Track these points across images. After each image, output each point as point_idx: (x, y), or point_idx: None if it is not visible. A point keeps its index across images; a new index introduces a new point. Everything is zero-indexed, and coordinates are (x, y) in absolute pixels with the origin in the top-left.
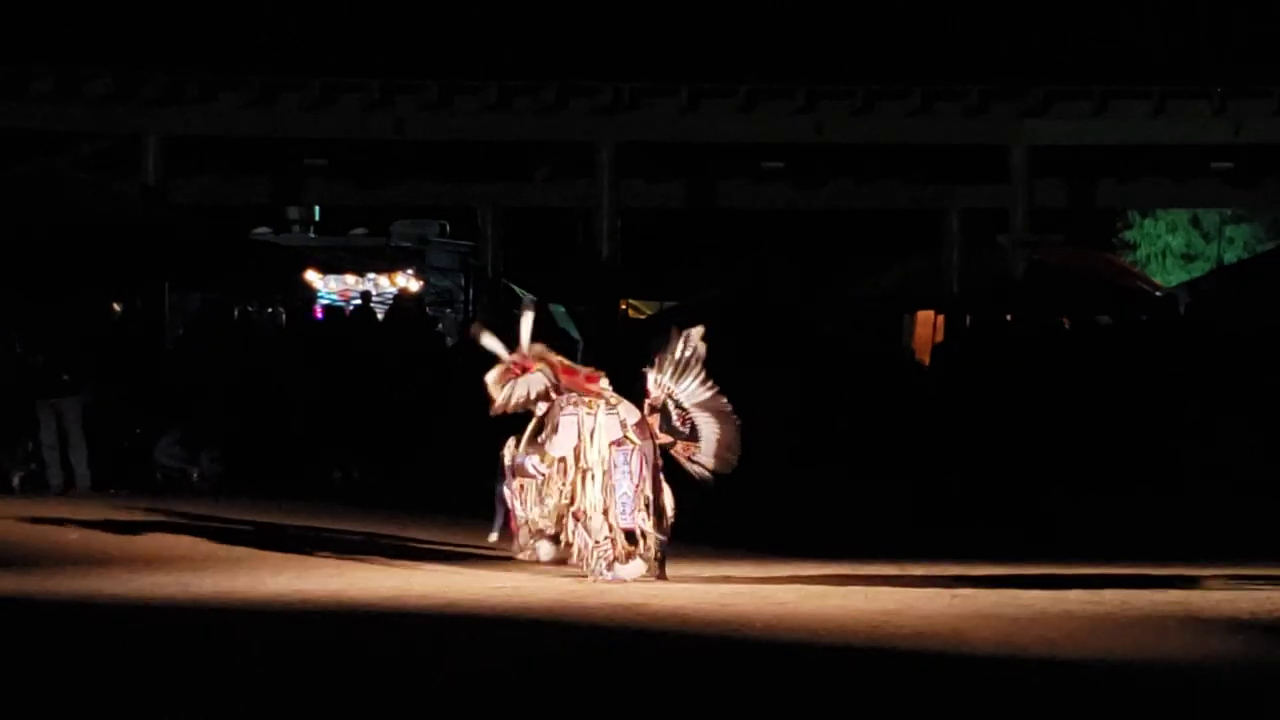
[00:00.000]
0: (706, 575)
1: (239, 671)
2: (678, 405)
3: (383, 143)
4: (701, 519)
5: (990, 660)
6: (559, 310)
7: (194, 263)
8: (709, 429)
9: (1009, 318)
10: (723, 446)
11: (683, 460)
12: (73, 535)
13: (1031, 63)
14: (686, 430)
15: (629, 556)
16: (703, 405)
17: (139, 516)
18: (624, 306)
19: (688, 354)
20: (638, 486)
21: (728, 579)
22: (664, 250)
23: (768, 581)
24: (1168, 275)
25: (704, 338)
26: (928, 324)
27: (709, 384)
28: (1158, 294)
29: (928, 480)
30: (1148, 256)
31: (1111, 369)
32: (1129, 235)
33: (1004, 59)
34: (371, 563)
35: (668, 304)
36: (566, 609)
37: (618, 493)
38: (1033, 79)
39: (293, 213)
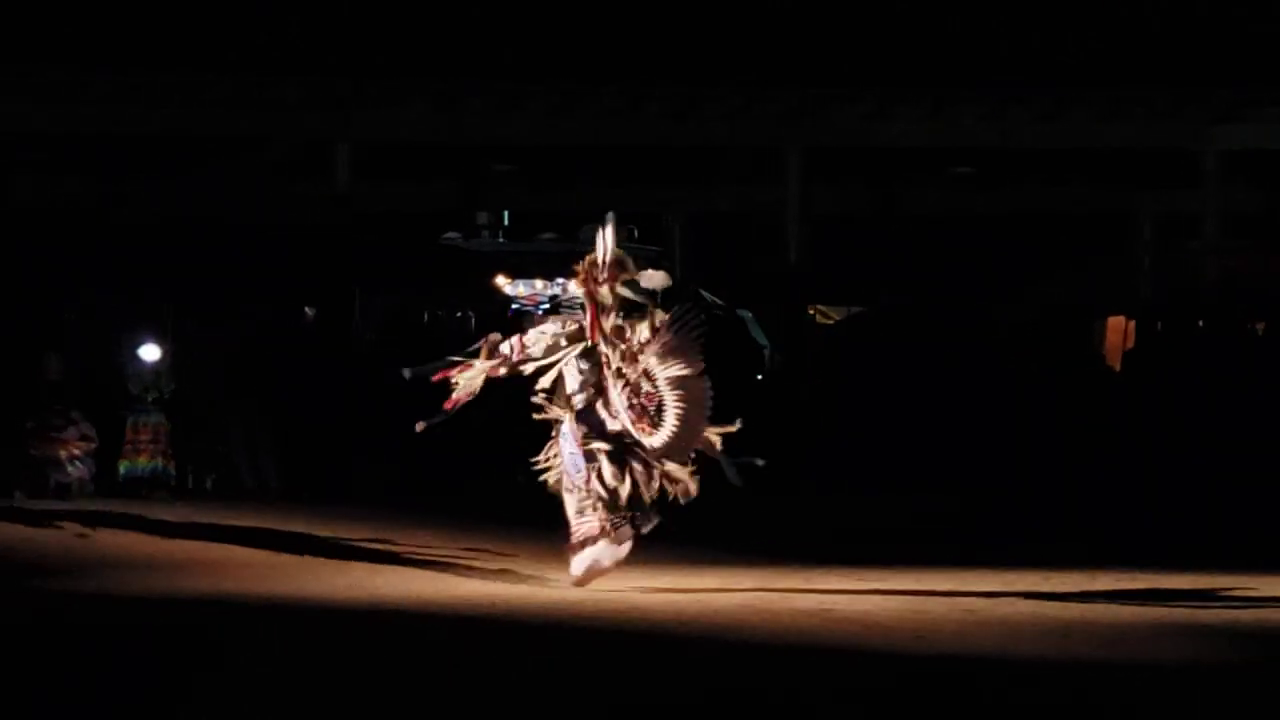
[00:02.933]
0: (900, 587)
1: (423, 673)
2: (650, 379)
3: (571, 147)
4: (891, 526)
5: (1185, 671)
6: (747, 316)
7: (383, 267)
8: (674, 415)
9: (1201, 324)
10: (682, 438)
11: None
12: (259, 538)
13: (1223, 65)
14: (653, 409)
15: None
16: (675, 384)
17: (325, 520)
18: (812, 311)
19: (683, 335)
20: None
21: (918, 591)
22: (851, 255)
23: (957, 593)
24: None
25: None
26: (1118, 330)
27: (693, 364)
28: None
29: (1118, 487)
30: None
31: None
32: None
33: (1195, 61)
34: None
35: (855, 309)
36: (754, 615)
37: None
38: (1224, 82)
39: (482, 218)
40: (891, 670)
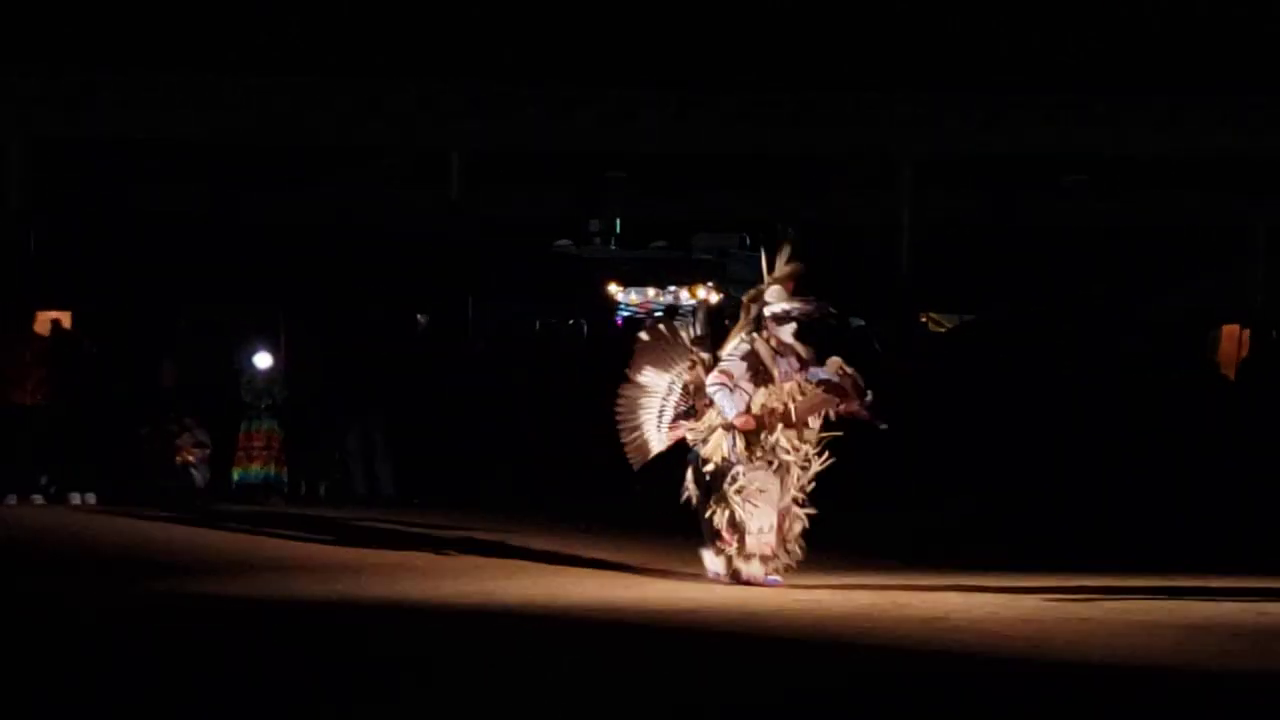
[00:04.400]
0: (1018, 585)
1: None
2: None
3: (684, 155)
4: (997, 530)
5: None
6: (859, 324)
7: (497, 275)
8: None
9: None
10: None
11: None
12: (375, 544)
13: None
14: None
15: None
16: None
17: (442, 526)
18: (923, 319)
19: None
20: None
21: (1034, 588)
22: (964, 263)
23: (1063, 590)
24: None
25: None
26: (1233, 339)
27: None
28: None
29: (1231, 493)
30: None
31: None
32: None
33: None
34: (670, 576)
35: (967, 317)
36: (866, 620)
37: None
38: None
39: (594, 225)
40: (1016, 679)
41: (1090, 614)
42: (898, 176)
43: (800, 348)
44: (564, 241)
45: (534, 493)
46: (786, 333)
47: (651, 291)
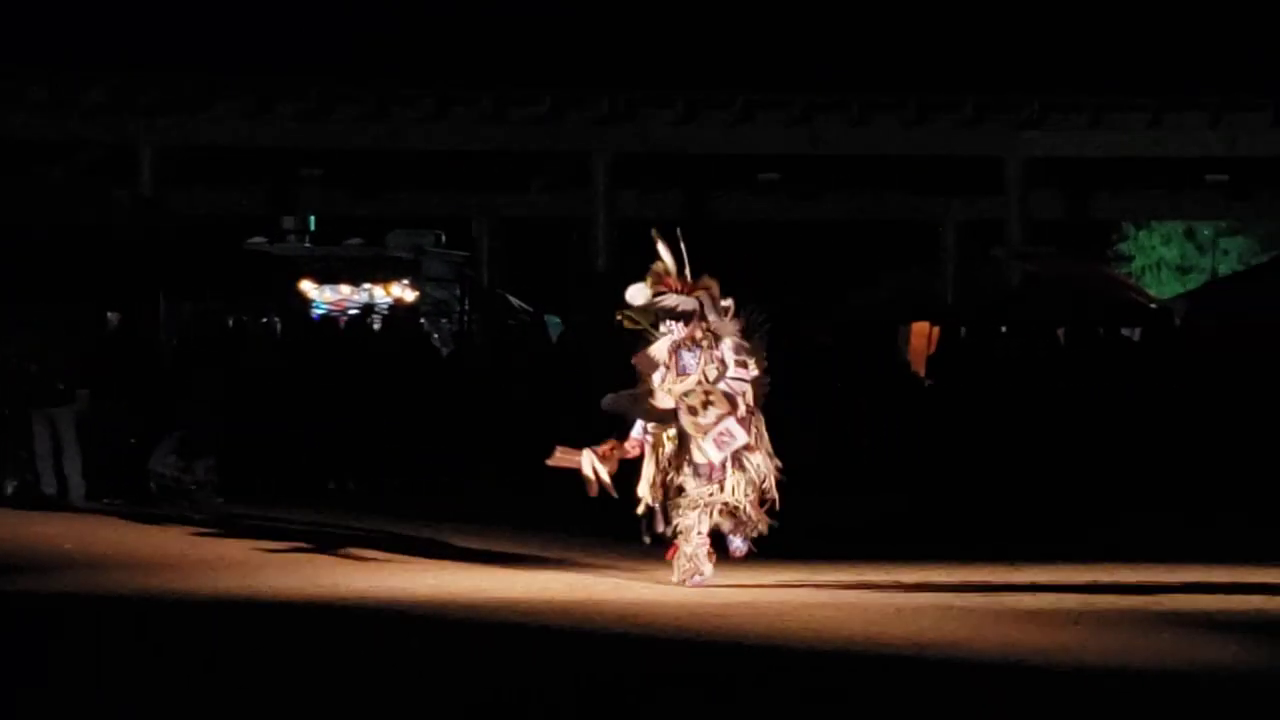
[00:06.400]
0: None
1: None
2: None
3: (378, 152)
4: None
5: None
6: (553, 321)
7: (188, 272)
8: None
9: (1003, 329)
10: None
11: None
12: (68, 545)
13: (1027, 74)
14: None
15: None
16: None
17: (134, 524)
18: (619, 318)
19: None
20: None
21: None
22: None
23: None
24: (1162, 287)
25: None
26: (922, 335)
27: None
28: (1152, 306)
29: (926, 490)
30: (1143, 269)
31: (1105, 380)
32: (1124, 247)
33: (1000, 70)
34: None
35: None
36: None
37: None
38: (1029, 91)
39: (288, 222)
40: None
41: (782, 606)
42: (592, 174)
43: (730, 345)
44: (258, 239)
45: (232, 491)
46: (698, 329)
47: (346, 289)
